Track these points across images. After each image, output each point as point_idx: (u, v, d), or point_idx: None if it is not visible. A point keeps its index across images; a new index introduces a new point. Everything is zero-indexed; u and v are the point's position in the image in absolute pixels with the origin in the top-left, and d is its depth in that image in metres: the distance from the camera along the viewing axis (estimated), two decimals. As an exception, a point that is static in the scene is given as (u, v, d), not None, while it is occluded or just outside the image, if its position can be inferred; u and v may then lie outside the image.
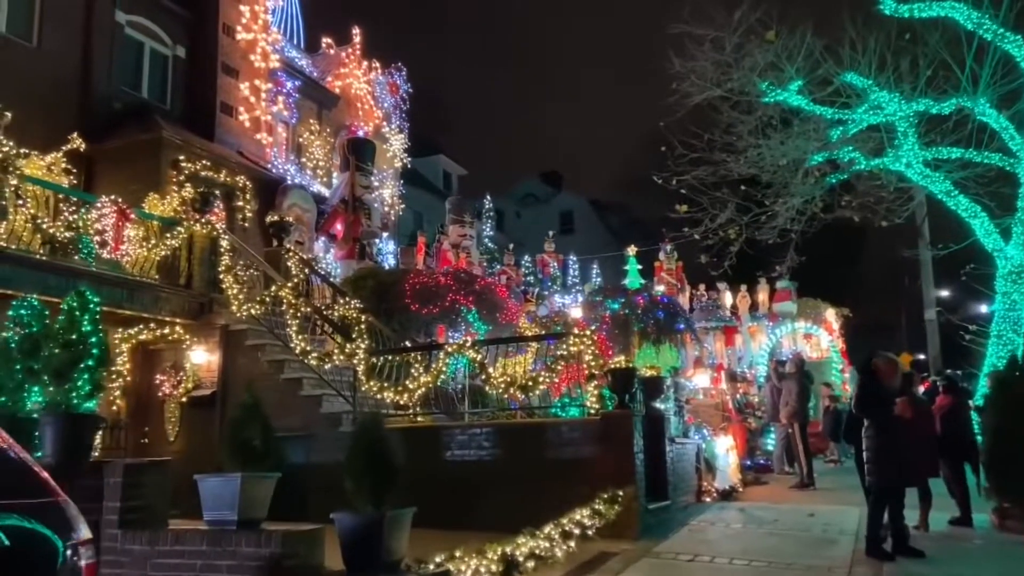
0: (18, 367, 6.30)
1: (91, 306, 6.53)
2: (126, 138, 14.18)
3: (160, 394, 12.25)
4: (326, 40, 21.78)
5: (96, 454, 12.11)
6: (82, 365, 6.31)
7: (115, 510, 5.78)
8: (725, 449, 12.73)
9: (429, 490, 9.71)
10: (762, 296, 22.57)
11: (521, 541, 6.25)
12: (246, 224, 15.42)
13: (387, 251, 19.02)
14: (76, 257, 10.13)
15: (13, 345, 6.35)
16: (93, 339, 6.40)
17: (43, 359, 6.30)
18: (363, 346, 10.91)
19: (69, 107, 14.10)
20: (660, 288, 14.45)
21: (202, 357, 11.97)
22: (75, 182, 13.52)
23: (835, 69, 14.95)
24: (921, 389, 11.31)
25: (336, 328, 11.55)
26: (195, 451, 11.41)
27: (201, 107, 16.44)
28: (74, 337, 6.33)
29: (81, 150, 12.49)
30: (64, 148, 12.10)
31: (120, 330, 12.29)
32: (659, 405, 10.40)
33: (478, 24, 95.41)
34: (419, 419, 10.81)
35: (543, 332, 12.02)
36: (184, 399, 11.86)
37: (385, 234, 20.97)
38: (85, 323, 6.43)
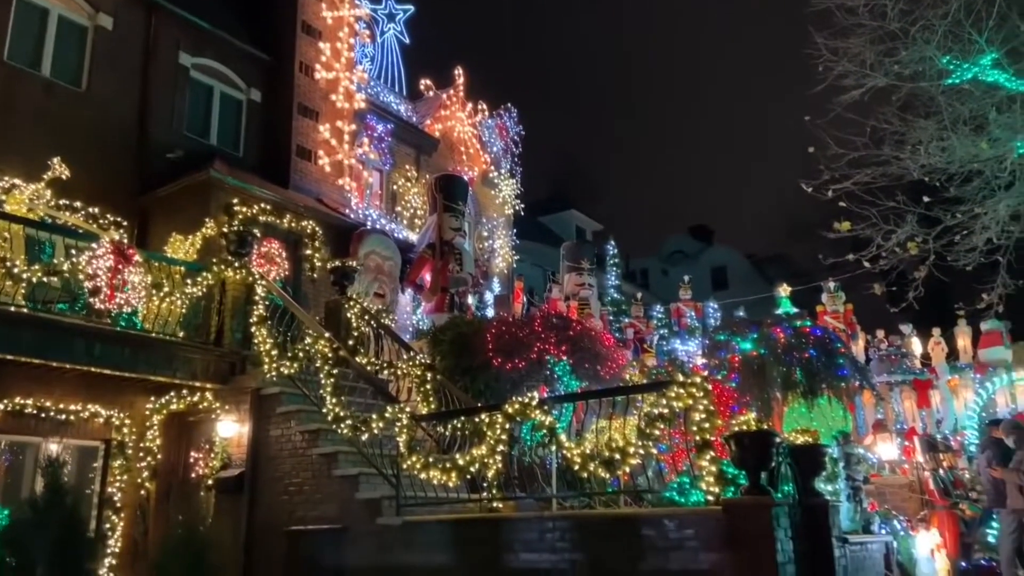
0: None
1: None
2: (178, 184, 12.73)
3: (193, 475, 10.27)
4: (425, 82, 20.18)
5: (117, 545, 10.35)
6: None
7: None
8: (928, 548, 9.18)
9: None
10: (962, 341, 17.76)
11: None
12: (315, 275, 13.54)
13: (490, 303, 16.62)
14: (58, 308, 8.34)
15: None
16: None
17: None
18: (407, 411, 8.37)
19: (123, 155, 12.89)
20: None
21: (232, 429, 9.86)
22: (124, 235, 12.19)
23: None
24: None
25: (379, 390, 9.10)
26: (224, 548, 9.25)
27: (276, 152, 14.99)
28: None
29: (59, 176, 10.94)
30: (46, 177, 10.61)
31: (152, 399, 10.54)
32: (822, 487, 7.29)
33: (617, 76, 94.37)
34: (496, 505, 8.08)
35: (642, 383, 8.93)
36: (211, 481, 9.76)
37: (495, 284, 18.62)
38: None
